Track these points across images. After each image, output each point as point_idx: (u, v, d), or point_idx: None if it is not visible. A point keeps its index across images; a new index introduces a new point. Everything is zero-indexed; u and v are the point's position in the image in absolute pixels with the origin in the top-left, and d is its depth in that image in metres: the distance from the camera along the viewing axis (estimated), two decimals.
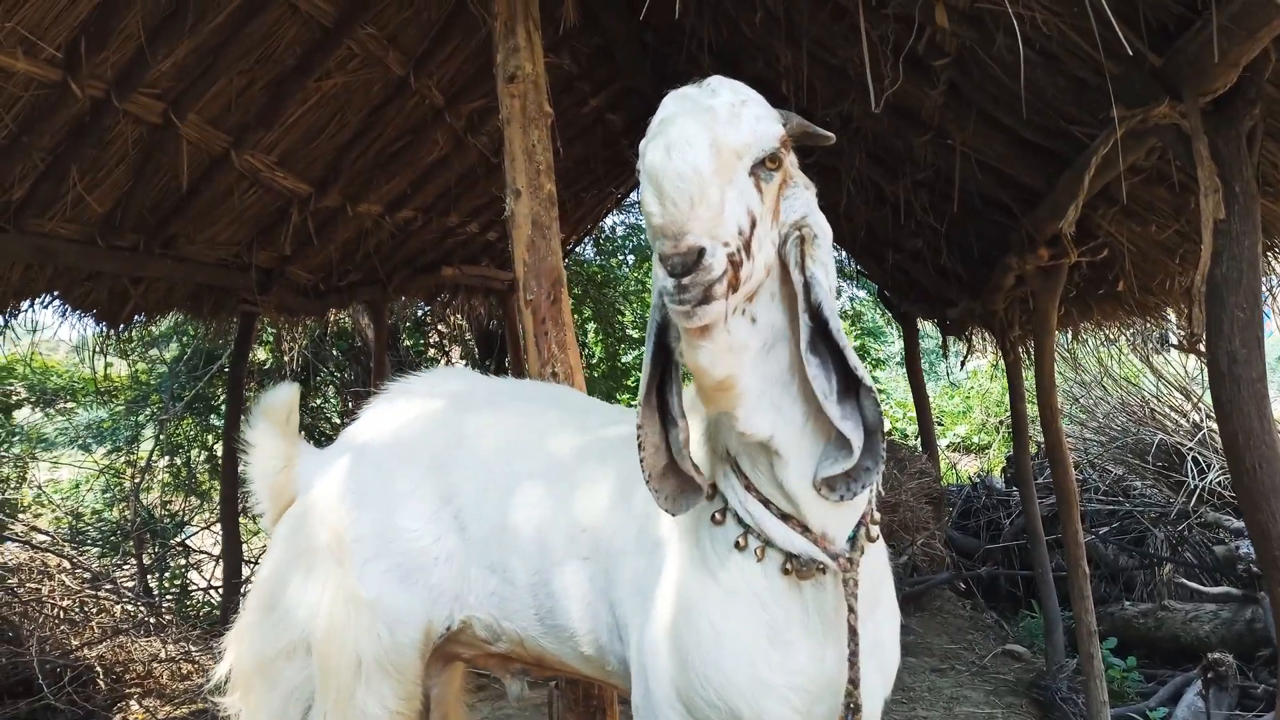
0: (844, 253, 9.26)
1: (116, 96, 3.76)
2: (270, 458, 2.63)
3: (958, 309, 6.13)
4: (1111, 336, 6.24)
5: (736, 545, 1.73)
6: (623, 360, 12.06)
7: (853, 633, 1.69)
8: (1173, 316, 4.88)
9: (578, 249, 10.75)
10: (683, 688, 1.84)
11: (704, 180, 1.34)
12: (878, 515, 1.78)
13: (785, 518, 1.68)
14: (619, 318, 11.77)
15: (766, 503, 1.69)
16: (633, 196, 10.71)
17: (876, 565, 1.81)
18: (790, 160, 1.56)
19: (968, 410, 14.82)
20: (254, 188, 4.94)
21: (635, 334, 12.04)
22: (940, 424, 13.82)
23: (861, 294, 12.47)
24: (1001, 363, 8.05)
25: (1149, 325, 5.54)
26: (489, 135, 5.76)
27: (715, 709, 1.79)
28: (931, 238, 5.41)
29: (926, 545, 7.17)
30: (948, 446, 13.66)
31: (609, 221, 11.30)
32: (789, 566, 1.69)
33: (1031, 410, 6.20)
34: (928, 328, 9.50)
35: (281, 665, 2.45)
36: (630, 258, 11.91)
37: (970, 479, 9.54)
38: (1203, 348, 2.55)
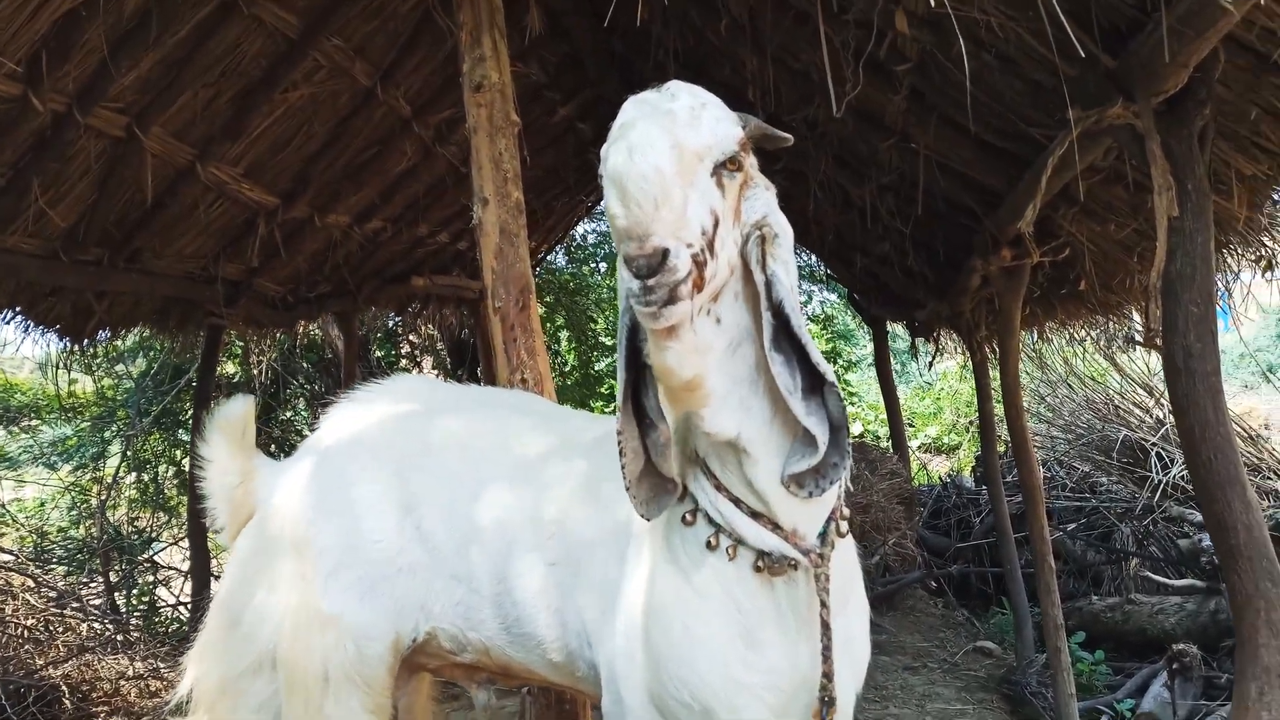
0: (813, 257, 9.36)
1: (79, 110, 3.72)
2: (227, 472, 2.59)
3: (925, 311, 6.21)
4: (1076, 335, 6.34)
5: (708, 545, 1.73)
6: (595, 368, 12.07)
7: (825, 627, 1.71)
8: (1135, 314, 4.98)
9: (549, 257, 10.75)
10: (656, 691, 1.84)
11: (666, 181, 1.36)
12: (847, 511, 1.80)
13: (756, 516, 1.69)
14: (591, 325, 11.79)
15: (737, 502, 1.70)
16: (603, 204, 10.76)
17: (847, 561, 1.83)
18: (750, 162, 1.59)
19: (938, 411, 14.97)
20: (220, 200, 4.90)
21: (608, 341, 12.05)
22: (911, 425, 13.96)
23: (832, 297, 12.57)
24: (969, 362, 8.17)
25: (1111, 323, 5.64)
26: (457, 145, 5.75)
27: (689, 710, 1.79)
28: (898, 241, 5.48)
29: (898, 545, 7.24)
30: (919, 447, 13.79)
31: (580, 230, 11.34)
32: (761, 564, 1.69)
33: (999, 410, 6.31)
34: (897, 330, 9.59)
35: (248, 681, 2.42)
36: (602, 265, 11.93)
37: (941, 479, 9.64)
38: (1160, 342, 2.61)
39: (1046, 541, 4.11)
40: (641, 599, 1.88)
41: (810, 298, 12.71)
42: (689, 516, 1.77)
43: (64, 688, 5.81)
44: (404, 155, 5.63)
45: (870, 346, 17.55)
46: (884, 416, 14.05)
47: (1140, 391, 7.86)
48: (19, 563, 7.16)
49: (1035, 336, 6.48)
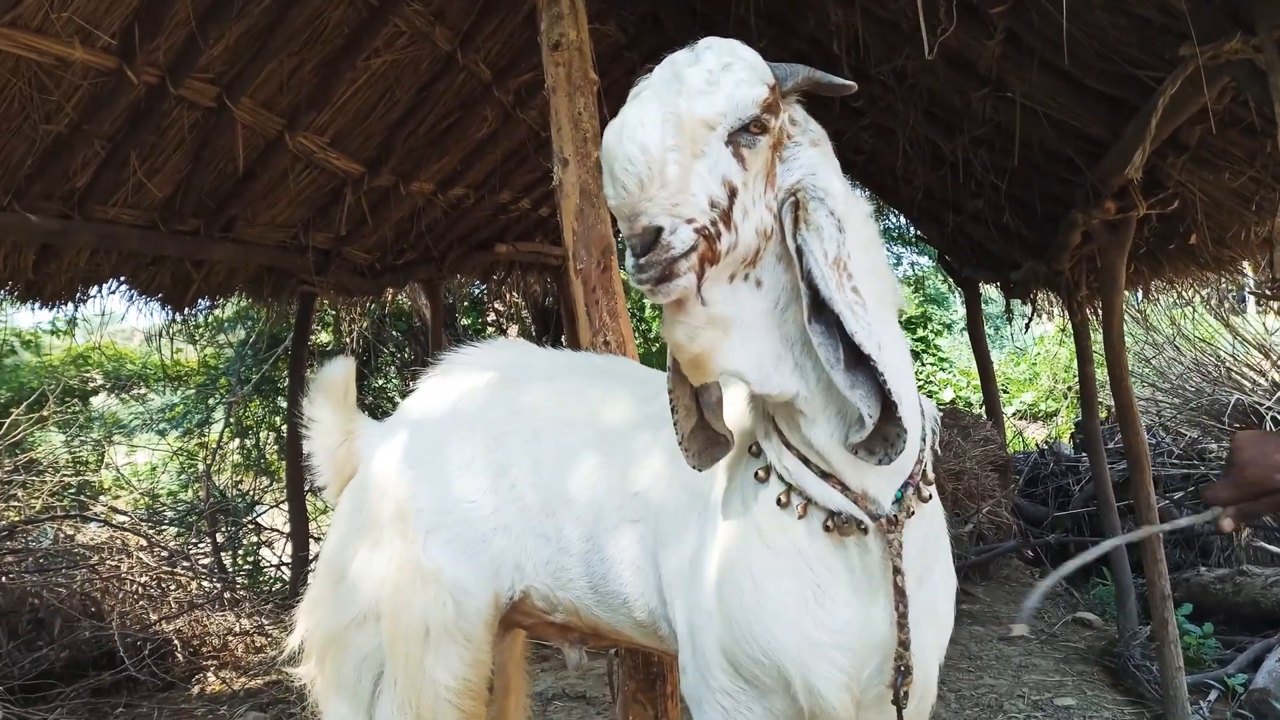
0: (902, 218, 9.09)
1: (171, 82, 3.82)
2: (330, 432, 2.68)
3: (1021, 270, 5.96)
4: (1184, 294, 6.01)
5: (779, 502, 1.71)
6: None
7: (901, 594, 1.67)
8: (1249, 270, 4.68)
9: None
10: (728, 646, 1.83)
11: (653, 160, 1.34)
12: (931, 476, 1.74)
13: (825, 476, 1.67)
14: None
15: (806, 461, 1.68)
16: None
17: (932, 529, 1.79)
18: (786, 120, 1.54)
19: (1034, 377, 14.49)
20: (308, 169, 5.00)
21: None
22: (1006, 391, 13.53)
23: (923, 260, 12.21)
24: (1068, 325, 7.84)
25: (1223, 280, 5.32)
26: (537, 109, 5.74)
27: (761, 666, 1.78)
28: (992, 197, 5.25)
29: (992, 513, 7.04)
30: (1014, 414, 13.38)
31: None
32: (830, 524, 1.67)
33: (1100, 374, 6.03)
34: (991, 292, 9.27)
35: (352, 634, 2.50)
36: None
37: (1037, 446, 9.32)
38: None
39: (1154, 509, 3.91)
40: (716, 554, 1.87)
41: (899, 260, 12.37)
42: (761, 473, 1.74)
43: (176, 642, 6.10)
44: (485, 121, 5.64)
45: (961, 310, 17.10)
46: (976, 383, 13.67)
47: (1255, 353, 7.42)
48: (133, 524, 7.53)
49: (1140, 296, 6.16)
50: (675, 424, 1.70)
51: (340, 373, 2.71)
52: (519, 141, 6.25)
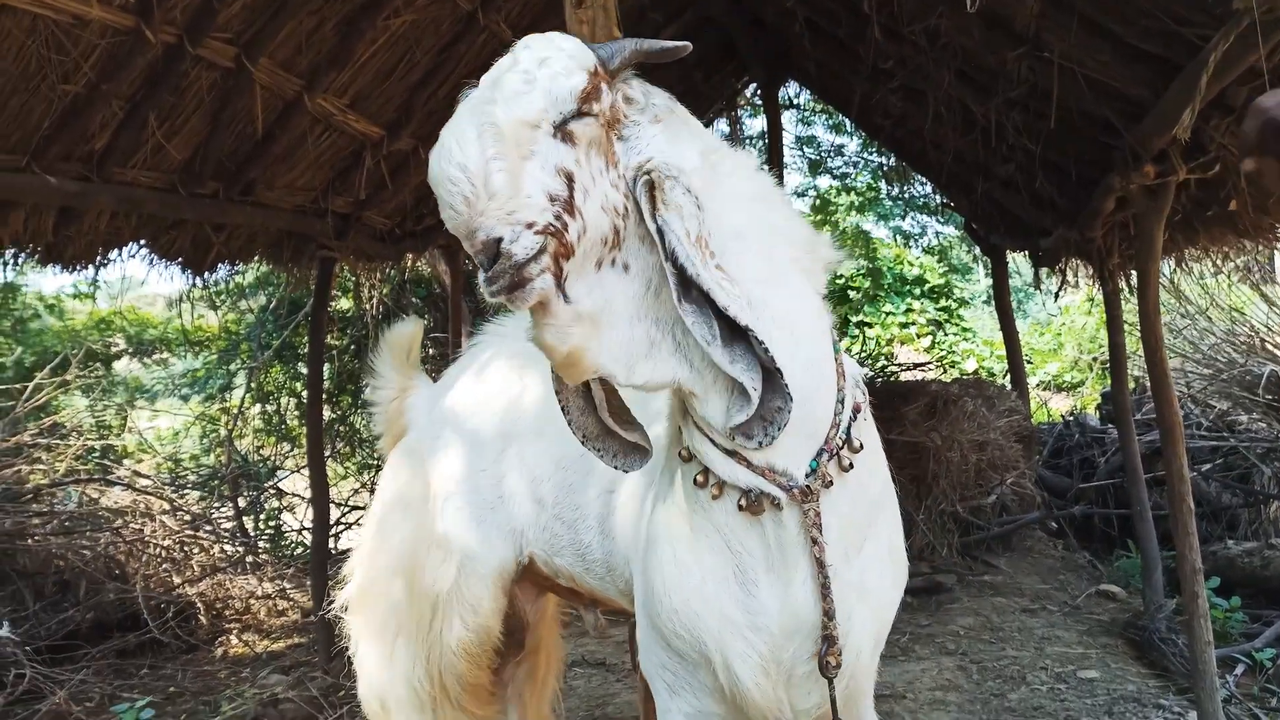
0: (929, 185, 8.94)
1: (189, 42, 3.75)
2: (388, 387, 2.89)
3: (1051, 238, 5.83)
4: (1219, 263, 5.87)
5: (696, 482, 1.69)
6: None
7: (820, 565, 1.64)
8: None
9: None
10: (658, 623, 1.83)
11: (474, 176, 1.36)
12: (860, 444, 1.70)
13: (730, 453, 1.62)
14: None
15: (711, 440, 1.64)
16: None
17: (863, 501, 1.74)
18: (619, 98, 1.55)
19: (1058, 348, 14.33)
20: (327, 132, 4.93)
21: None
22: (1029, 362, 13.39)
23: (948, 230, 12.04)
24: (1096, 296, 7.69)
25: (1260, 248, 5.18)
26: None
27: (684, 642, 1.79)
28: (1024, 161, 5.13)
29: (1016, 484, 6.98)
30: (1038, 385, 13.24)
31: None
32: (743, 503, 1.64)
33: (1130, 344, 5.92)
34: (1016, 261, 9.12)
35: (384, 586, 2.67)
36: None
37: (1062, 417, 9.21)
38: None
39: (1186, 481, 3.82)
40: (646, 532, 1.88)
41: (924, 230, 12.20)
42: (684, 453, 1.71)
43: (199, 605, 6.17)
44: None
45: (984, 281, 16.90)
46: (1000, 353, 13.54)
47: None
48: (156, 487, 7.59)
49: (1173, 265, 6.02)
50: (570, 424, 1.66)
51: (407, 332, 2.91)
52: None
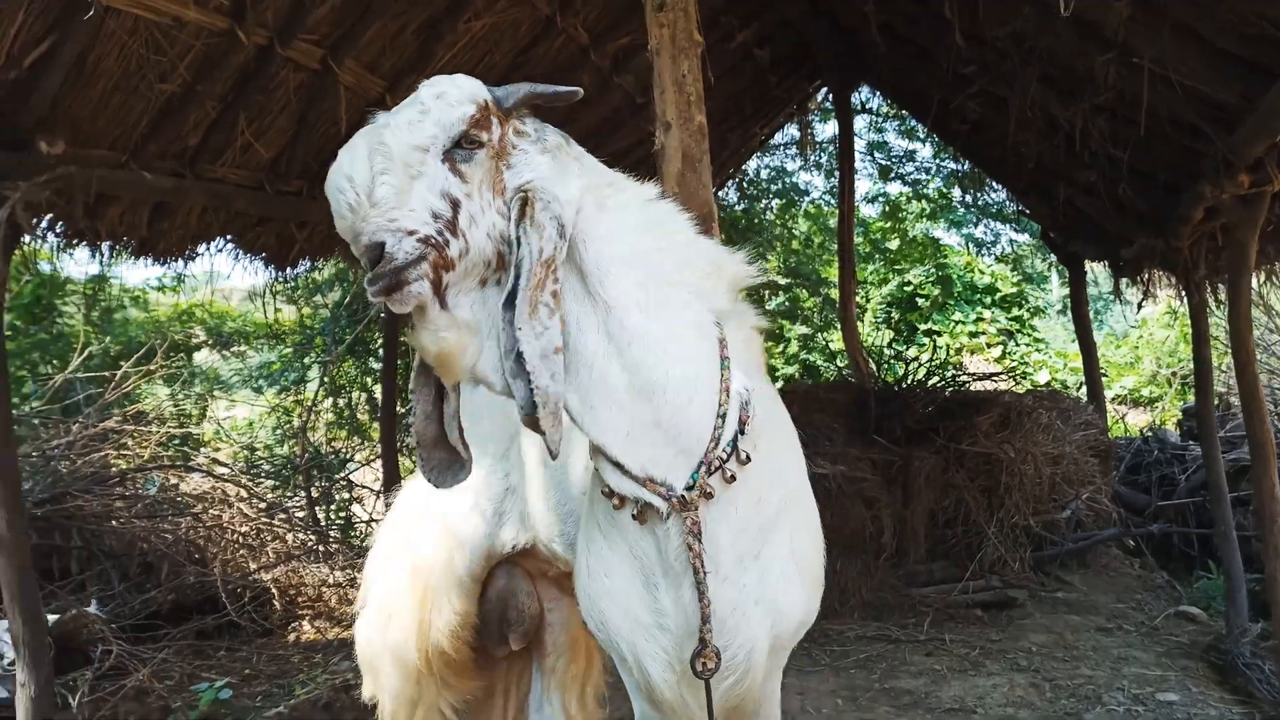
0: (1004, 191, 8.76)
1: (279, 43, 3.87)
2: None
3: (1134, 247, 5.67)
4: None
5: (603, 493, 1.78)
6: (769, 305, 11.87)
7: (696, 571, 1.72)
8: None
9: (719, 193, 10.57)
10: (587, 621, 1.97)
11: (359, 186, 1.54)
12: (744, 457, 1.74)
13: (616, 465, 1.71)
14: (765, 264, 11.54)
15: (604, 453, 1.73)
16: (779, 137, 10.42)
17: (757, 511, 1.80)
18: (510, 131, 1.68)
19: (1135, 361, 13.90)
20: None
21: (780, 281, 11.82)
22: (1104, 375, 13.03)
23: (1023, 237, 11.77)
24: (1178, 308, 7.45)
25: None
26: (634, 74, 5.67)
27: (607, 644, 1.93)
28: (1108, 168, 4.99)
29: (1091, 500, 6.80)
30: (1113, 399, 12.85)
31: (752, 164, 11.01)
32: (634, 512, 1.73)
33: (1216, 358, 5.72)
34: (1094, 273, 8.89)
35: (398, 553, 2.81)
36: (775, 202, 11.60)
37: (1141, 432, 8.94)
38: None
39: (1277, 500, 3.69)
40: (579, 540, 2.00)
41: (998, 238, 11.95)
42: (591, 466, 1.83)
43: (274, 590, 6.32)
44: (581, 85, 5.58)
45: (1056, 291, 16.49)
46: (1074, 365, 13.19)
47: None
48: (234, 475, 7.81)
49: (1261, 279, 5.81)
50: (410, 427, 1.80)
51: None
52: (613, 107, 6.20)
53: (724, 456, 1.72)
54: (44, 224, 3.87)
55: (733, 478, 1.73)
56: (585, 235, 1.69)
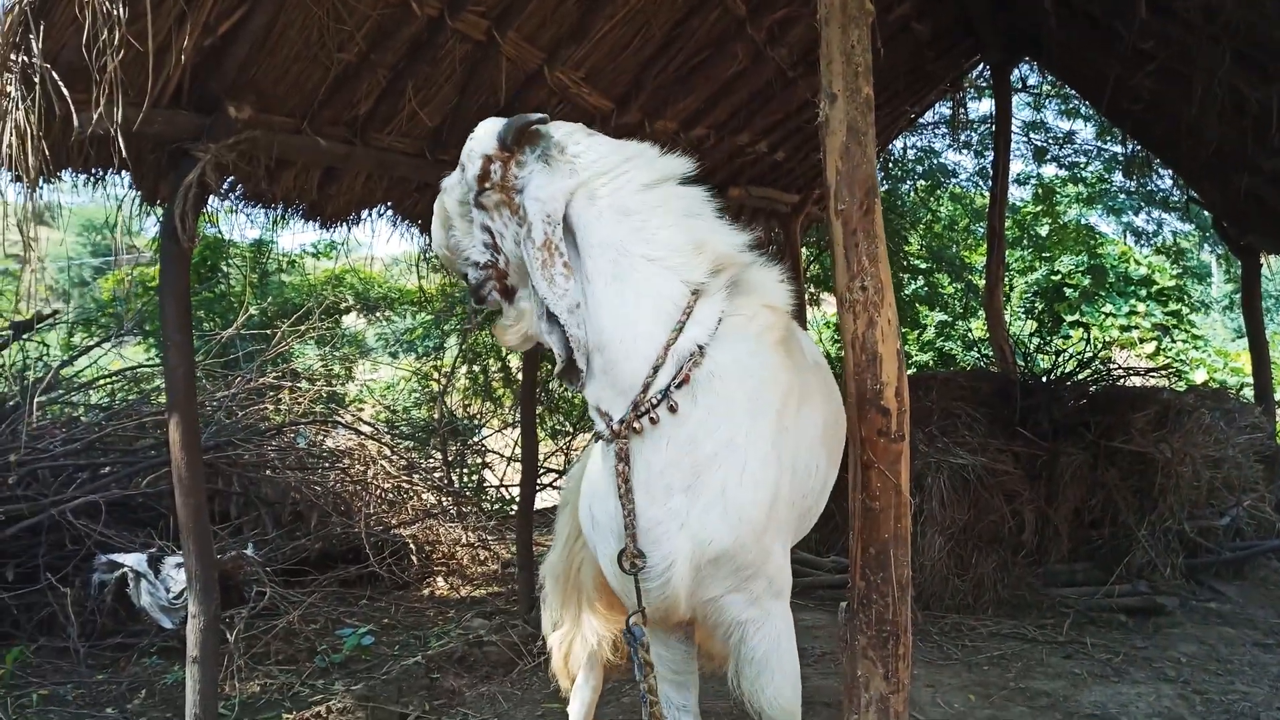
0: (1172, 177, 8.25)
1: (449, 14, 3.97)
2: None
3: None
4: None
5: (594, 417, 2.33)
6: (906, 291, 11.53)
7: (619, 487, 2.18)
8: None
9: None
10: (581, 520, 2.56)
11: (438, 243, 2.53)
12: (674, 404, 2.16)
13: (590, 397, 2.29)
14: (905, 247, 11.20)
15: (586, 385, 2.29)
16: (928, 116, 10.08)
17: (690, 451, 2.18)
18: (511, 166, 2.27)
19: None
20: (561, 104, 5.09)
21: (921, 265, 11.48)
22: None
23: (1185, 228, 11.05)
24: None
25: None
26: (789, 47, 5.57)
27: (589, 535, 2.49)
28: None
29: (1254, 507, 6.39)
30: None
31: (898, 144, 10.67)
32: (596, 433, 2.31)
33: None
34: (1269, 266, 8.27)
35: (569, 497, 3.24)
36: (920, 183, 11.22)
37: None
38: None
39: None
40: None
41: (1160, 226, 11.25)
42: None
43: (411, 545, 6.59)
44: (734, 59, 5.53)
45: (1217, 288, 15.42)
46: (1236, 365, 12.36)
47: None
48: (376, 433, 8.15)
49: None
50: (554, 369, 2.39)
51: None
52: (765, 81, 6.10)
53: (654, 402, 2.16)
54: (225, 185, 4.09)
55: (656, 420, 2.16)
56: (578, 223, 2.23)
